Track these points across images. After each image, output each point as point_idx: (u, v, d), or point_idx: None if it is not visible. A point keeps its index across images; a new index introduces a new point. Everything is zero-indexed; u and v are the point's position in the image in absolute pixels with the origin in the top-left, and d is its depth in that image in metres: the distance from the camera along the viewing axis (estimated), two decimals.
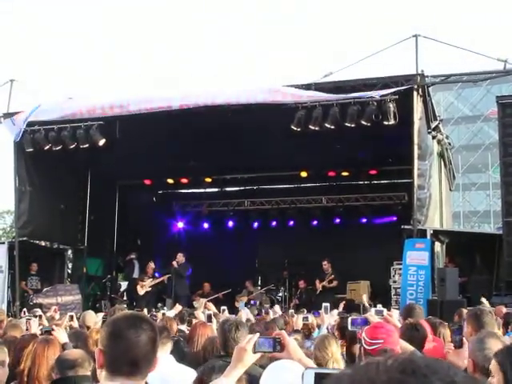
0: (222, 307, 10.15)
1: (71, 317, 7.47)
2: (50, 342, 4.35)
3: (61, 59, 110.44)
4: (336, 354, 5.12)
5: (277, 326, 7.31)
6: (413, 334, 5.13)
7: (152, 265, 18.54)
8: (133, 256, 19.81)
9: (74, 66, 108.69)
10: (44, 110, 15.30)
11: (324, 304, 8.57)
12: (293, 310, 11.90)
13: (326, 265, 17.31)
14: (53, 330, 5.56)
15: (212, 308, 10.11)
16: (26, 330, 6.62)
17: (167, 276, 17.92)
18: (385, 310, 6.11)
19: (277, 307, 12.04)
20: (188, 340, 6.66)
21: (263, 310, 12.81)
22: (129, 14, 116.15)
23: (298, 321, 8.64)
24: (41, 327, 6.35)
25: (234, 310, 14.49)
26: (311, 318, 8.32)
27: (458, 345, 4.74)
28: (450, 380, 1.09)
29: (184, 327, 8.32)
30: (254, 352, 3.00)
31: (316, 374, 1.76)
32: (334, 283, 16.93)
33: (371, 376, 1.10)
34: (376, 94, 12.84)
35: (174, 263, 17.42)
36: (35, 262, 17.26)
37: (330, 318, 8.31)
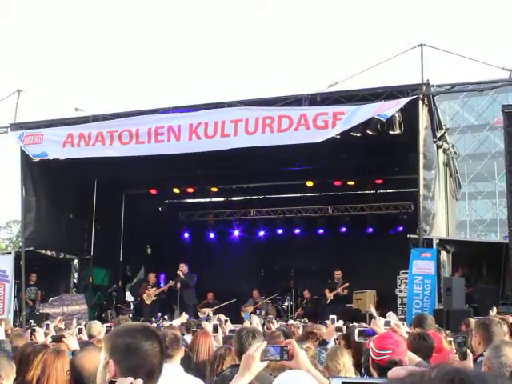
0: (225, 318, 10.13)
1: (80, 329, 7.47)
2: (60, 353, 4.35)
3: (68, 69, 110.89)
4: (347, 364, 5.16)
5: (282, 336, 7.29)
6: (420, 344, 5.12)
7: (153, 275, 18.71)
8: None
9: (80, 76, 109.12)
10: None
11: (331, 316, 8.52)
12: (298, 321, 11.86)
13: (338, 275, 17.26)
14: (63, 336, 5.55)
15: (223, 319, 10.09)
16: (31, 339, 6.61)
17: (168, 285, 18.01)
18: (393, 319, 6.09)
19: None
20: (190, 349, 6.66)
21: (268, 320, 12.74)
22: (136, 21, 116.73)
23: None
24: (50, 334, 6.36)
25: (240, 320, 14.47)
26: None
27: (463, 357, 4.74)
28: None
29: (189, 337, 8.29)
30: (262, 360, 2.99)
31: (343, 383, 1.76)
32: (346, 291, 16.92)
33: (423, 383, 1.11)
34: (383, 113, 12.77)
35: (180, 273, 17.42)
36: (34, 273, 17.19)
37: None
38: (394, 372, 2.83)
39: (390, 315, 7.65)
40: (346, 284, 16.99)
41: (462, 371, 1.13)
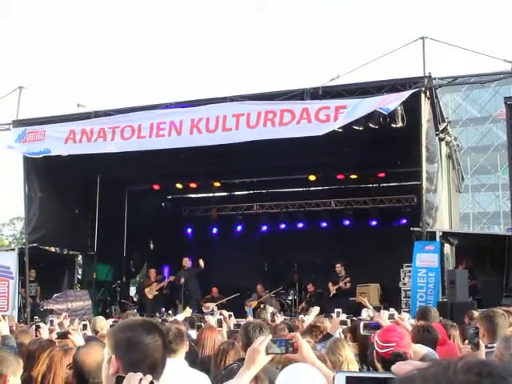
0: (229, 313, 10.14)
1: (85, 325, 7.48)
2: (67, 351, 4.34)
3: (69, 65, 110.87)
4: (349, 355, 5.15)
5: (287, 330, 7.29)
6: (425, 336, 5.12)
7: (153, 270, 18.89)
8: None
9: (82, 73, 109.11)
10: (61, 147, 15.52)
11: (336, 309, 8.52)
12: (302, 316, 11.86)
13: (338, 267, 17.32)
14: (69, 333, 5.55)
15: (225, 314, 10.10)
16: (36, 336, 6.62)
17: (169, 280, 18.11)
18: (396, 313, 6.09)
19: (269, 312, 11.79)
20: (196, 344, 6.66)
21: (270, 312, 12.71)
22: (138, 17, 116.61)
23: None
24: (56, 331, 6.36)
25: (244, 315, 14.49)
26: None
27: (475, 348, 4.73)
28: None
29: (194, 332, 8.29)
30: (267, 353, 3.00)
31: (347, 377, 1.76)
32: (348, 285, 16.96)
33: (448, 375, 1.10)
34: (385, 106, 12.73)
35: (202, 263, 17.45)
36: (34, 269, 17.18)
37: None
38: (398, 366, 2.82)
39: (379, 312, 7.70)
40: (348, 278, 17.02)
41: (488, 364, 1.12)
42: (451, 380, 1.09)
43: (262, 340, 3.01)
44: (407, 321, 6.13)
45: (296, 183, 21.01)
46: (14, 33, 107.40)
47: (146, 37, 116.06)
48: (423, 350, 4.51)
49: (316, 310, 10.20)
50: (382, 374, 2.61)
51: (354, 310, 12.58)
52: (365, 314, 9.38)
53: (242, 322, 7.67)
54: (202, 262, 17.41)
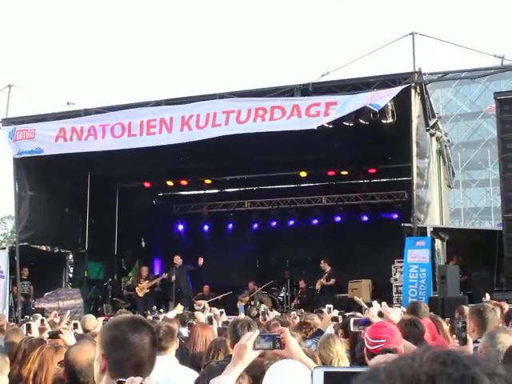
0: (220, 310, 10.12)
1: (75, 325, 7.46)
2: (58, 349, 4.32)
3: (59, 63, 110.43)
4: (341, 352, 5.15)
5: (279, 325, 7.29)
6: (412, 330, 5.13)
7: (145, 268, 18.93)
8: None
9: (72, 70, 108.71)
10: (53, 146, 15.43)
11: (327, 305, 8.53)
12: (295, 312, 11.85)
13: (322, 264, 17.32)
14: (60, 332, 5.53)
15: (215, 311, 10.10)
16: (26, 334, 6.59)
17: (161, 277, 18.08)
18: (384, 303, 6.07)
19: (274, 312, 11.80)
20: (187, 341, 6.65)
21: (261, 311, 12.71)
22: (127, 14, 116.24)
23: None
24: (47, 331, 6.33)
25: (235, 312, 14.49)
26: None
27: (463, 342, 4.74)
28: (492, 371, 1.08)
29: (185, 330, 8.28)
30: (255, 349, 2.99)
31: (325, 372, 1.75)
32: (332, 281, 16.93)
33: (413, 366, 1.09)
34: (375, 103, 12.75)
35: (201, 261, 17.46)
36: (26, 267, 17.09)
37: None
38: (375, 361, 2.82)
39: (374, 305, 7.68)
40: (326, 274, 17.04)
41: (453, 353, 1.11)
42: (416, 370, 1.08)
43: (250, 336, 3.01)
44: (399, 316, 6.15)
45: (287, 180, 21.00)
46: (3, 31, 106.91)
47: (136, 34, 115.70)
48: (412, 347, 4.50)
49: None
50: (360, 369, 2.62)
51: (343, 306, 12.60)
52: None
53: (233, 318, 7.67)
54: (201, 260, 17.41)
